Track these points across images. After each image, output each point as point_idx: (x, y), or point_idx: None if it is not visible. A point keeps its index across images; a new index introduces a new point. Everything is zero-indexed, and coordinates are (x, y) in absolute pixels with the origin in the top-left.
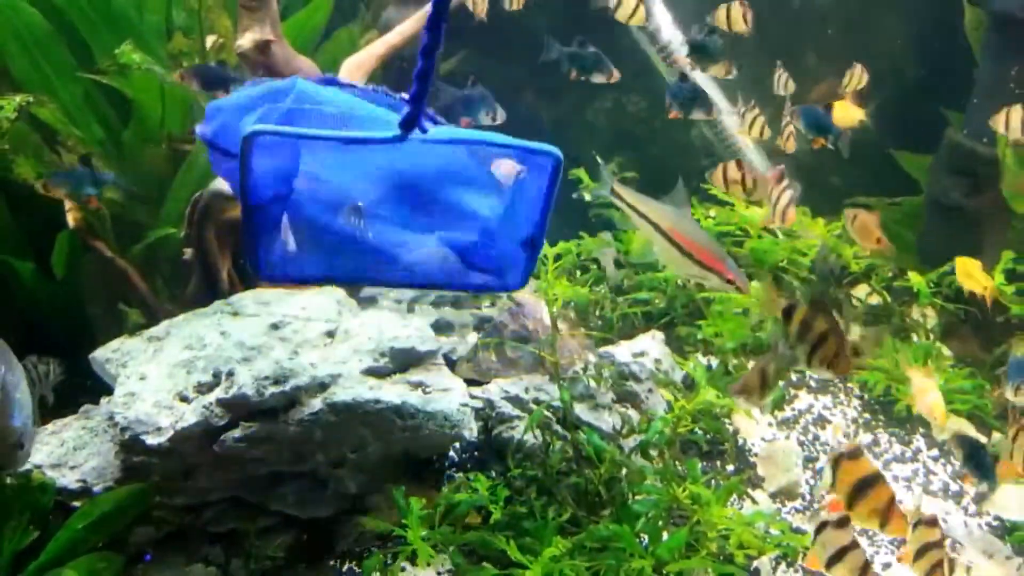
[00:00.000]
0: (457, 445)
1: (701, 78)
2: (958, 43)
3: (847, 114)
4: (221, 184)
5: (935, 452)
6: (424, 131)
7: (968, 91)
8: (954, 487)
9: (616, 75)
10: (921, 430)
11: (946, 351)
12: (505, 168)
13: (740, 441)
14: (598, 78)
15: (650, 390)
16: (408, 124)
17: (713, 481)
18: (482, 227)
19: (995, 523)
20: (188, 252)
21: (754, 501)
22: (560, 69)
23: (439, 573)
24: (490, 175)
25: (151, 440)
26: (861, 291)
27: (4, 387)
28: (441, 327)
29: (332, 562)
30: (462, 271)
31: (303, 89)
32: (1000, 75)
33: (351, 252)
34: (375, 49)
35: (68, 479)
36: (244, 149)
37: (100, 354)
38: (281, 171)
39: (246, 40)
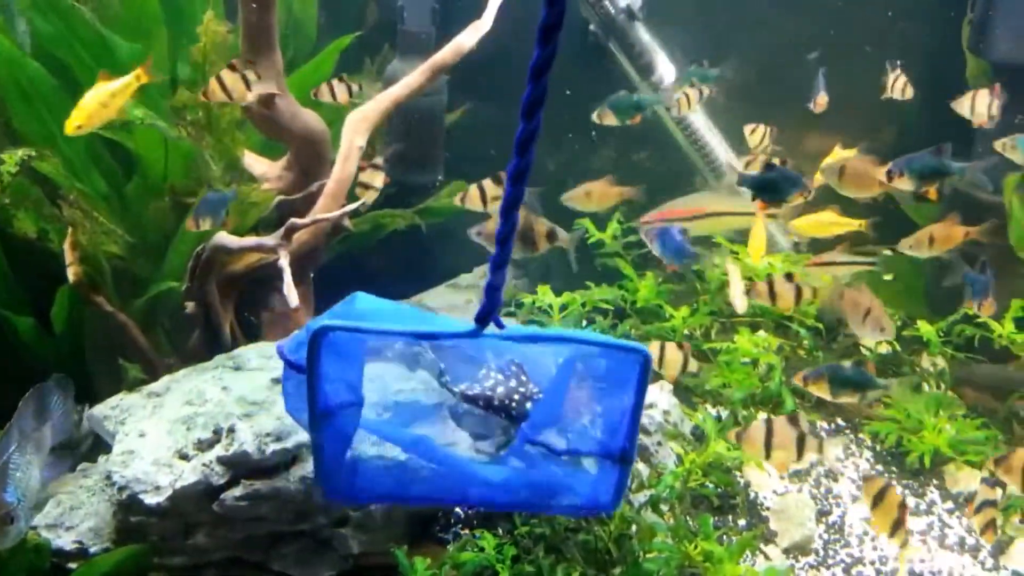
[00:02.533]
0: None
1: (702, 124)
2: (961, 92)
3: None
4: (224, 237)
5: (950, 504)
6: (501, 326)
7: (972, 140)
8: (970, 540)
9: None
10: (935, 482)
11: (958, 399)
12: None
13: (752, 495)
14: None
15: (659, 443)
16: (483, 318)
17: (725, 537)
18: (567, 438)
19: None
20: (190, 306)
21: (767, 557)
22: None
23: None
24: (570, 378)
25: (149, 499)
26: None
27: (5, 464)
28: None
29: None
30: (548, 489)
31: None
32: (1003, 123)
33: (425, 470)
34: (380, 103)
35: (64, 540)
36: (312, 347)
37: (99, 411)
38: (350, 375)
39: (250, 93)
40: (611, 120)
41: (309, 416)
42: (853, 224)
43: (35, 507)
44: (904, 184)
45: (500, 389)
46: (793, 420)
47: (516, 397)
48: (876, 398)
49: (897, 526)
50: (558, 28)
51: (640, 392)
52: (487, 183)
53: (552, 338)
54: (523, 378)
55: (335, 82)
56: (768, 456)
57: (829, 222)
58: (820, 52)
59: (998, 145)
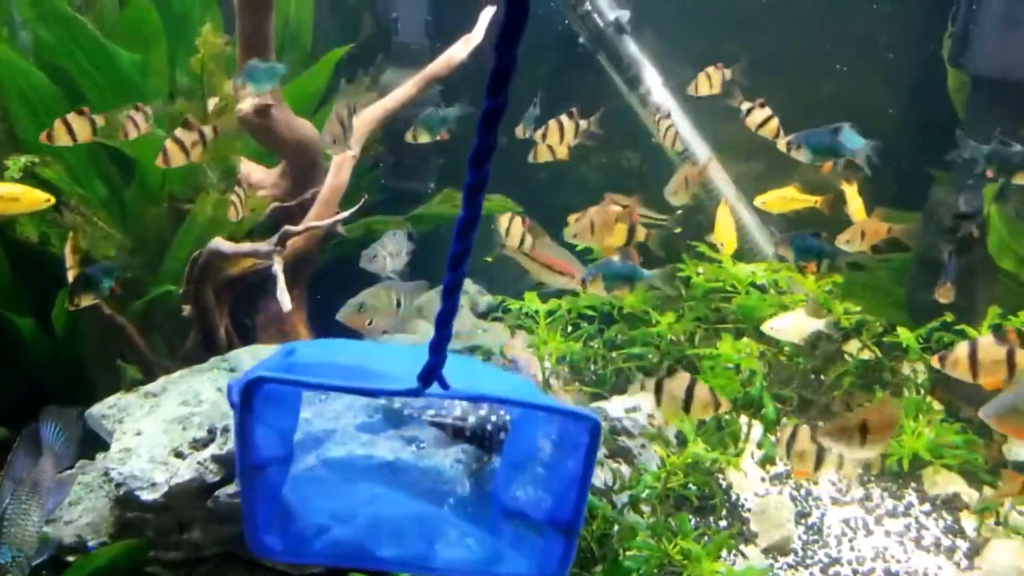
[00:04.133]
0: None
1: (685, 128)
2: (943, 104)
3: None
4: (220, 243)
5: (927, 507)
6: (445, 386)
7: (956, 147)
8: (946, 542)
9: None
10: (913, 485)
11: (937, 406)
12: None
13: (734, 496)
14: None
15: (643, 445)
16: (427, 377)
17: (706, 537)
18: (512, 504)
19: None
20: (187, 309)
21: (744, 556)
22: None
23: None
24: (518, 443)
25: (146, 496)
26: (852, 347)
27: None
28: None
29: None
30: (490, 558)
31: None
32: (983, 135)
33: (361, 534)
34: (372, 112)
35: (63, 534)
36: (244, 399)
37: (97, 410)
38: (284, 427)
39: (246, 104)
40: (424, 138)
41: (239, 470)
42: (811, 200)
43: (39, 546)
44: (800, 156)
45: (471, 418)
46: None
47: (488, 427)
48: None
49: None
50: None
51: (588, 461)
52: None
53: (498, 400)
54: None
55: (72, 116)
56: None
57: (790, 198)
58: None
59: (781, 144)
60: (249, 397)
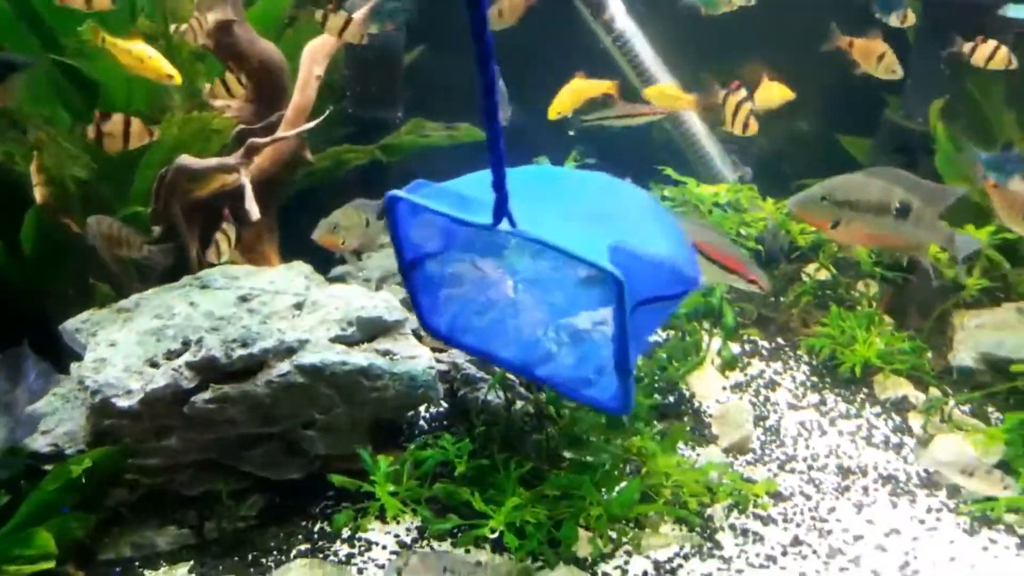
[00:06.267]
0: (425, 414)
1: (658, 69)
2: (895, 29)
3: (771, 94)
4: (186, 159)
5: (877, 409)
6: (513, 224)
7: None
8: (895, 439)
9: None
10: (865, 390)
11: (888, 320)
12: None
13: (696, 404)
14: None
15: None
16: (497, 213)
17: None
18: (587, 342)
19: (932, 470)
20: (156, 229)
21: (700, 446)
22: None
23: (408, 529)
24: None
25: (121, 403)
26: (811, 267)
27: None
28: (409, 304)
29: (304, 522)
30: (582, 380)
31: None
32: (931, 58)
33: (500, 330)
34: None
35: (40, 443)
36: (388, 209)
37: (70, 324)
38: (430, 233)
39: (208, 18)
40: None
41: (399, 268)
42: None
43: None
44: None
45: None
46: None
47: None
48: None
49: None
50: None
51: (620, 314)
52: None
53: (548, 245)
54: None
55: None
56: None
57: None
58: None
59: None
60: (391, 210)
